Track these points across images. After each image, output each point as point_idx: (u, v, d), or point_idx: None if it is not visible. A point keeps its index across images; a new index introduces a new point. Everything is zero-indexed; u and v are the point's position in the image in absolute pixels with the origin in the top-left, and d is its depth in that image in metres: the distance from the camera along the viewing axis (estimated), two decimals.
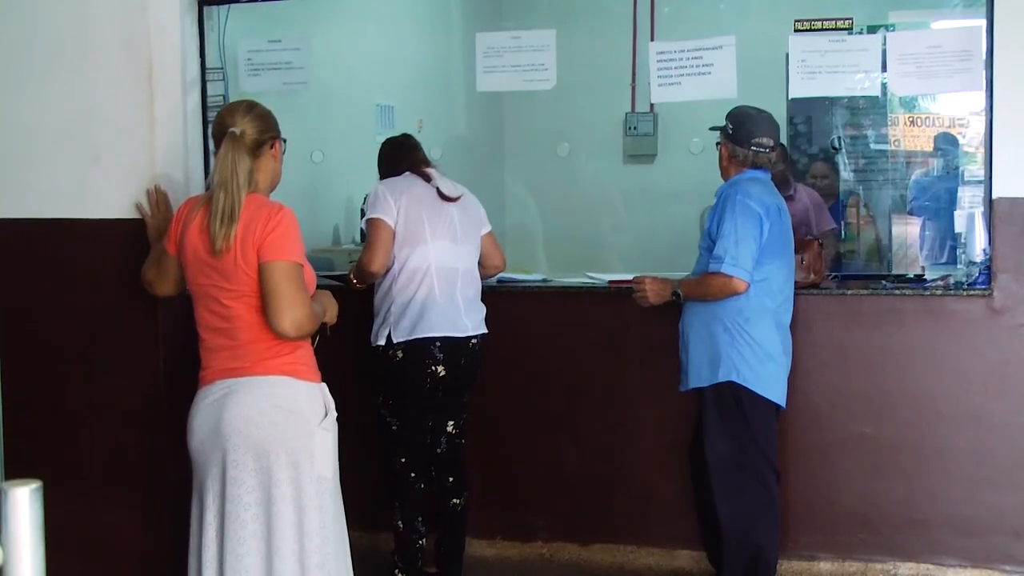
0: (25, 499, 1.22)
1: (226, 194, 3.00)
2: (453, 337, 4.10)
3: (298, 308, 2.99)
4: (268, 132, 3.18)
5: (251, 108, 3.19)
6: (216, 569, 3.04)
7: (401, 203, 4.08)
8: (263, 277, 2.99)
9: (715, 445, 4.00)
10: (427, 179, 4.17)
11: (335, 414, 3.14)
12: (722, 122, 4.09)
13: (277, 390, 3.04)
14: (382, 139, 4.50)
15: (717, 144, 4.11)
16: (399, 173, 4.21)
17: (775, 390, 3.96)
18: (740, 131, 4.02)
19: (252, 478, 3.00)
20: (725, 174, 4.08)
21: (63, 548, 2.60)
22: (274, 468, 3.00)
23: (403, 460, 4.15)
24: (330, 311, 3.27)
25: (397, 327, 4.06)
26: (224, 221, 2.99)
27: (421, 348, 4.06)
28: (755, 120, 4.04)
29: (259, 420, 3.00)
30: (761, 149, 4.01)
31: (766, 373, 3.92)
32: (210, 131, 3.38)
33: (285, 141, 3.30)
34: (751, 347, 3.89)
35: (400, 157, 4.28)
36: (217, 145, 3.15)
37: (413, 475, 4.16)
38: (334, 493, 3.15)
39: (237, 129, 3.08)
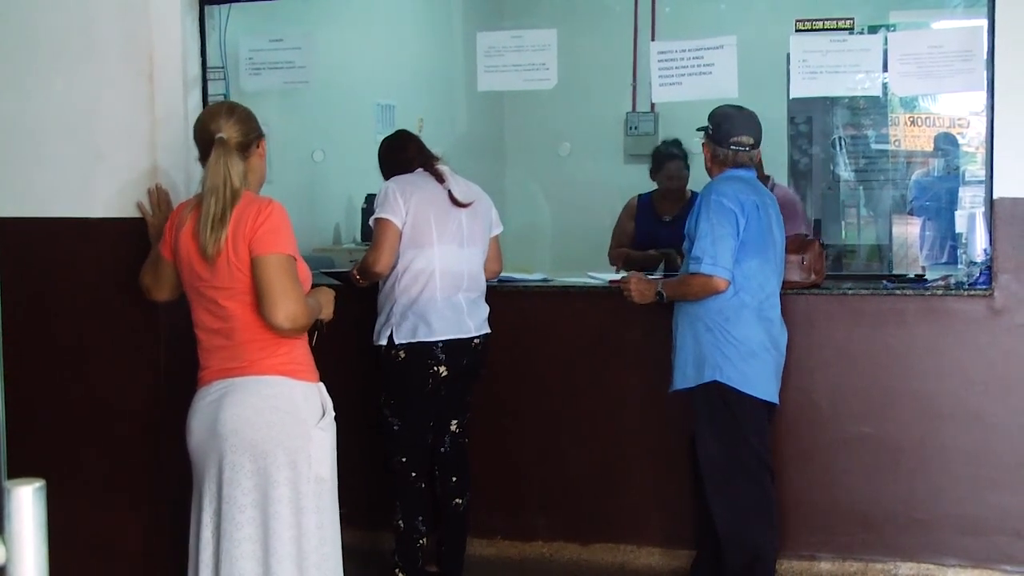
0: (28, 498, 1.22)
1: (216, 200, 3.00)
2: (456, 338, 4.10)
3: (292, 301, 2.98)
4: (253, 132, 3.18)
5: (232, 111, 3.18)
6: (212, 570, 3.03)
7: (411, 204, 4.06)
8: (256, 271, 2.98)
9: (706, 446, 3.99)
10: (440, 179, 4.14)
11: (333, 414, 3.14)
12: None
13: (273, 390, 3.04)
14: (383, 138, 4.47)
15: (703, 146, 4.10)
16: (411, 171, 4.19)
17: (762, 387, 3.94)
18: (719, 131, 4.02)
19: (248, 479, 3.00)
20: (710, 175, 4.08)
21: (63, 548, 2.59)
22: (271, 469, 2.99)
23: (403, 460, 4.15)
24: (326, 308, 3.27)
25: (399, 328, 4.06)
26: (214, 227, 2.99)
27: (423, 349, 4.05)
28: (733, 119, 4.03)
29: (255, 421, 3.00)
30: (741, 148, 4.00)
31: (751, 371, 3.91)
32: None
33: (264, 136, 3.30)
34: (734, 346, 3.89)
35: (409, 155, 4.23)
36: (200, 149, 3.15)
37: (414, 475, 4.16)
38: (332, 493, 3.15)
39: (224, 134, 3.08)
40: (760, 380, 3.93)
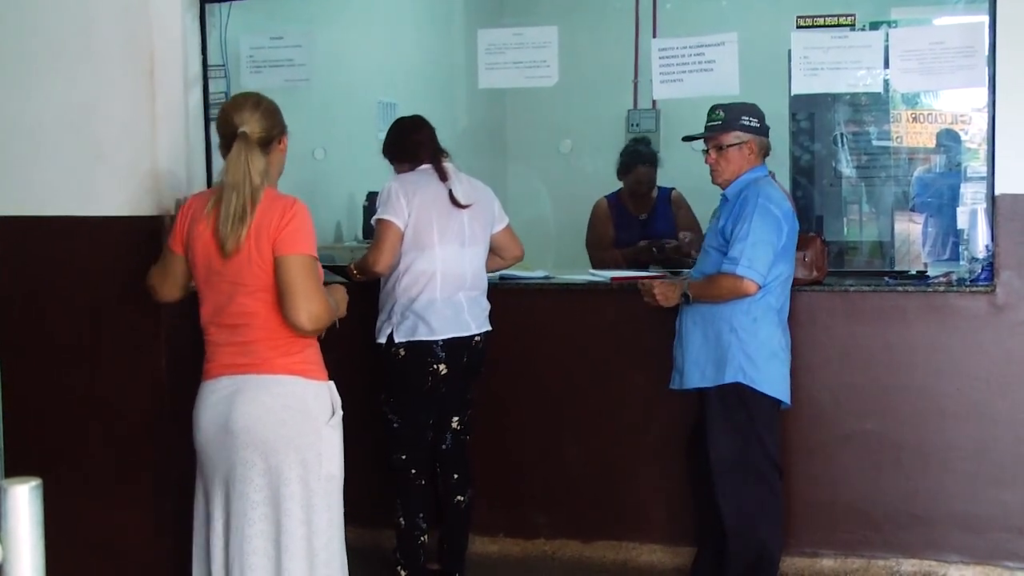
0: (25, 497, 1.22)
1: (238, 196, 2.97)
2: (456, 336, 4.10)
3: (315, 301, 2.99)
4: (276, 128, 3.15)
5: (258, 104, 3.13)
6: (223, 567, 3.05)
7: (413, 205, 4.04)
8: (279, 271, 2.98)
9: (719, 445, 3.98)
10: (443, 177, 4.12)
11: (341, 412, 3.15)
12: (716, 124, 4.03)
13: (285, 389, 3.05)
14: (384, 136, 4.42)
15: (723, 147, 3.96)
16: (417, 162, 4.17)
17: (781, 388, 3.95)
18: (763, 123, 4.01)
19: (260, 477, 3.01)
20: (736, 174, 3.96)
21: (68, 547, 2.59)
22: (283, 467, 3.01)
23: (404, 457, 4.15)
24: (341, 305, 3.27)
25: (400, 327, 4.06)
26: (235, 224, 2.96)
27: (423, 347, 4.05)
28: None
29: (267, 419, 3.01)
30: None
31: (771, 372, 3.91)
32: (213, 126, 3.33)
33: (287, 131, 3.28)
34: (757, 347, 3.88)
35: (421, 138, 4.21)
36: (223, 140, 3.10)
37: (414, 472, 4.16)
38: (339, 491, 3.17)
39: (247, 128, 3.04)
40: (779, 381, 3.94)
